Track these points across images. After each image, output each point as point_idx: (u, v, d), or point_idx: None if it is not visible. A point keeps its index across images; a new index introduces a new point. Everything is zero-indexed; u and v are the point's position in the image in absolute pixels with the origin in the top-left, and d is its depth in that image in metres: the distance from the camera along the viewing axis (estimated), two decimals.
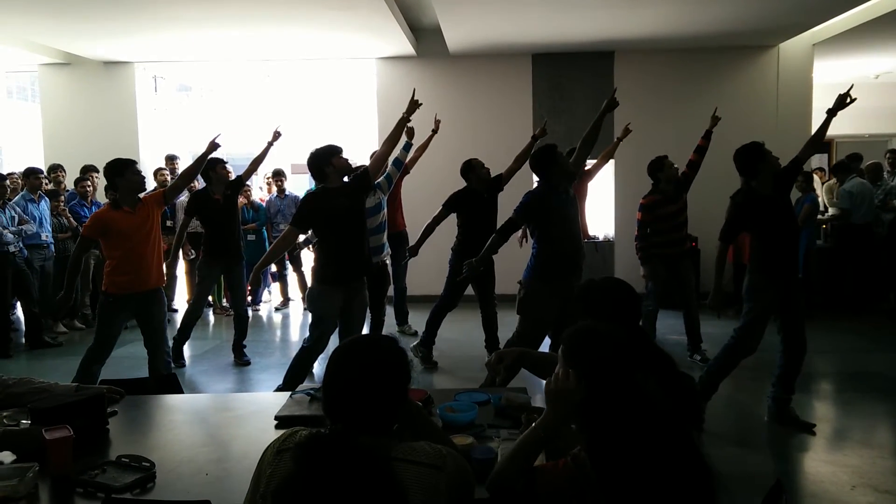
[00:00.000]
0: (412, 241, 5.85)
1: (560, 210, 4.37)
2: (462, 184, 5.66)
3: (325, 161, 4.36)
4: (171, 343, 5.20)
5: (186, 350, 6.16)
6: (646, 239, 5.72)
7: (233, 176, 6.00)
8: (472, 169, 5.61)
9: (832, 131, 12.61)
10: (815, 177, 8.30)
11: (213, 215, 5.87)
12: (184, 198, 7.43)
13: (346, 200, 4.34)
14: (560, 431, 1.72)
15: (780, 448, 4.08)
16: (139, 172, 4.47)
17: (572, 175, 4.47)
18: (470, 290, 5.65)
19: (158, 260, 4.58)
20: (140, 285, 4.47)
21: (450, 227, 5.71)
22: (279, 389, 4.44)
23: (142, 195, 4.60)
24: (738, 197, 4.43)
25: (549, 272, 4.35)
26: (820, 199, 8.01)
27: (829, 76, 10.17)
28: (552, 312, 4.33)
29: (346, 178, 4.52)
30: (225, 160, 6.04)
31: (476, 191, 5.59)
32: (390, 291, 6.30)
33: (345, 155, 4.46)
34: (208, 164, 5.57)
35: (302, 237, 5.41)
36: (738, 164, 4.21)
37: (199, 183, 6.62)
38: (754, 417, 4.50)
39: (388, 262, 5.87)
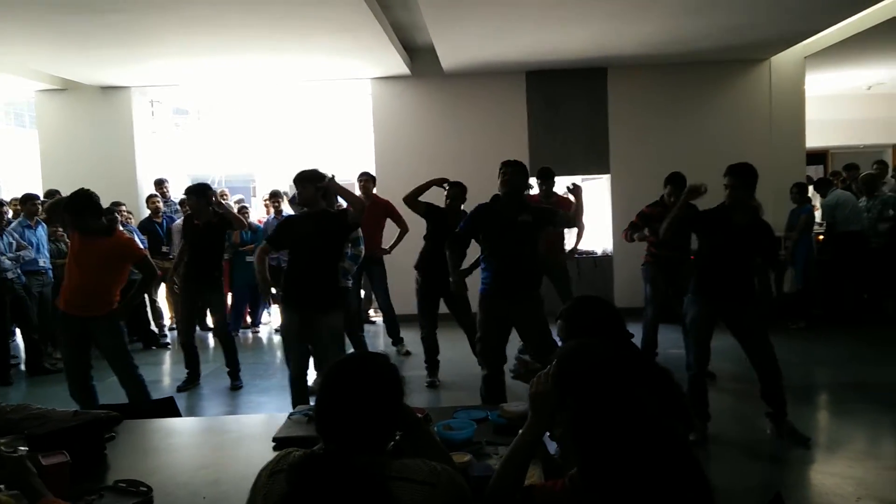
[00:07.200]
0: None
1: (493, 228, 4.34)
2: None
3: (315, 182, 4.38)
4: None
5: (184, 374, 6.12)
6: (631, 233, 5.84)
7: (230, 199, 6.02)
8: None
9: (827, 142, 12.66)
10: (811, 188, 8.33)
11: (191, 239, 5.97)
12: (179, 221, 7.48)
13: (310, 228, 4.30)
14: (542, 435, 1.76)
15: (783, 460, 4.05)
16: (66, 214, 4.46)
17: (511, 195, 4.31)
18: (444, 308, 5.71)
19: (97, 293, 4.48)
20: (72, 308, 4.47)
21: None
22: None
23: (117, 234, 4.67)
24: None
25: (484, 289, 4.38)
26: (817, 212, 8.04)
27: (821, 88, 10.25)
28: (495, 326, 4.35)
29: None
30: (203, 187, 5.99)
31: (444, 213, 5.68)
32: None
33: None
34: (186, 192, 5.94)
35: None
36: None
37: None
38: (757, 430, 4.47)
39: (349, 284, 5.84)
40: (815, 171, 10.87)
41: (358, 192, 6.85)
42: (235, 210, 8.14)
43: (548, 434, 1.85)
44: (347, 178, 7.10)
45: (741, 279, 4.18)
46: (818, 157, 11.37)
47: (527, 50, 7.45)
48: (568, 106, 8.57)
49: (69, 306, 4.49)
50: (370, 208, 6.60)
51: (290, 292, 4.43)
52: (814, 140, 9.30)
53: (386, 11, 6.50)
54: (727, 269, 4.19)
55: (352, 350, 5.81)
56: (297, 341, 4.45)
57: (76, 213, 4.41)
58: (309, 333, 4.41)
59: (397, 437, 1.69)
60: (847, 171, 8.70)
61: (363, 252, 5.68)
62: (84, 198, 4.41)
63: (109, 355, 4.60)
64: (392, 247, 6.68)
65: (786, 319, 7.40)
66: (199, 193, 5.84)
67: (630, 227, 5.85)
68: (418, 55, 8.37)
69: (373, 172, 7.22)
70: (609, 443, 1.52)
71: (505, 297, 4.29)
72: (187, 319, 6.07)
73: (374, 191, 6.90)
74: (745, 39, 7.36)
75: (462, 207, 5.68)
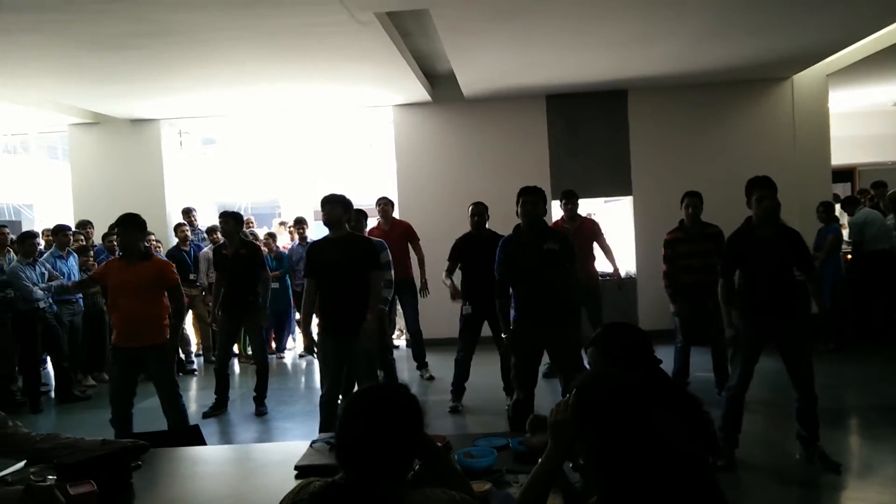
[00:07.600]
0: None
1: (516, 260, 4.34)
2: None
3: (346, 210, 4.47)
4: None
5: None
6: (672, 276, 5.69)
7: (254, 227, 6.13)
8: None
9: (854, 159, 12.46)
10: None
11: (223, 269, 6.11)
12: (207, 249, 7.65)
13: (336, 255, 4.37)
14: (562, 464, 1.75)
15: (813, 486, 3.97)
16: (113, 234, 4.61)
17: (533, 224, 4.33)
18: (487, 331, 5.68)
19: (150, 320, 4.61)
20: (127, 340, 4.58)
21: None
22: None
23: (154, 258, 4.81)
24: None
25: (516, 317, 4.39)
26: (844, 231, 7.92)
27: (845, 105, 10.15)
28: (528, 352, 4.36)
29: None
30: (232, 214, 6.15)
31: (473, 235, 5.67)
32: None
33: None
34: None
35: None
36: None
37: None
38: (787, 455, 4.38)
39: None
40: (843, 189, 10.72)
41: (377, 218, 6.95)
42: (261, 236, 8.30)
43: (570, 464, 1.84)
44: (369, 202, 7.18)
45: (781, 293, 4.09)
46: (845, 174, 11.21)
47: (547, 74, 7.50)
48: (589, 129, 8.58)
49: (125, 339, 4.59)
50: (391, 233, 6.68)
51: (326, 318, 4.52)
52: (840, 157, 9.18)
53: (406, 40, 6.61)
54: (764, 284, 4.11)
55: (381, 373, 5.83)
56: (334, 365, 4.51)
57: (138, 228, 4.58)
58: (346, 357, 4.48)
59: (417, 466, 1.70)
60: (875, 189, 8.58)
61: (393, 277, 5.74)
62: (142, 219, 4.64)
63: (159, 384, 4.73)
64: (423, 286, 6.77)
65: (816, 341, 7.26)
66: (236, 218, 6.09)
67: (666, 264, 5.72)
68: (439, 82, 8.46)
69: (395, 198, 7.29)
70: (629, 472, 1.51)
71: (537, 323, 4.30)
72: (224, 347, 6.18)
73: (395, 214, 6.95)
74: (766, 59, 7.32)
75: (486, 225, 5.72)
